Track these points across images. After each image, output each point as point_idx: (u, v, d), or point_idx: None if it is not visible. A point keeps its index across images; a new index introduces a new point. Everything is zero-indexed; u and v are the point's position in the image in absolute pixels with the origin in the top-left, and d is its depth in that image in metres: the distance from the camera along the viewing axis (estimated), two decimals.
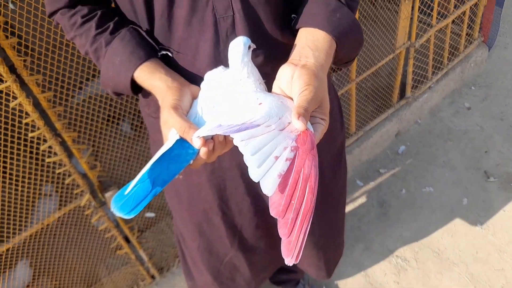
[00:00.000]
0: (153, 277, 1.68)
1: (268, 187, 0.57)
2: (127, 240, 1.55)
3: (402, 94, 2.17)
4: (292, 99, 0.66)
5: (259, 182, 0.57)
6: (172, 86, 0.72)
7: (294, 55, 0.70)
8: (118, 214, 0.64)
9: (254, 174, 0.57)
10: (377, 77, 2.21)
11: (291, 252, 0.56)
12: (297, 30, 0.75)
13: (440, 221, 1.90)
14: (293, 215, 0.57)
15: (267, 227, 1.16)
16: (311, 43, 0.70)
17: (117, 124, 2.01)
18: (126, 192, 0.65)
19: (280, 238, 1.27)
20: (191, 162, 0.67)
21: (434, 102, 2.30)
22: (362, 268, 1.80)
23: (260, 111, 0.63)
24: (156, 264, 1.68)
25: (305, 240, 0.58)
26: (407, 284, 1.74)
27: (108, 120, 1.90)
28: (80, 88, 1.52)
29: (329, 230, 1.25)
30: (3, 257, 1.31)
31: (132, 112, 1.71)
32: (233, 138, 0.61)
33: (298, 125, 0.60)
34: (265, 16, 0.75)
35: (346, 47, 0.75)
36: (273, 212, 0.57)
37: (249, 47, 0.68)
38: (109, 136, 1.58)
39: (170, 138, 0.67)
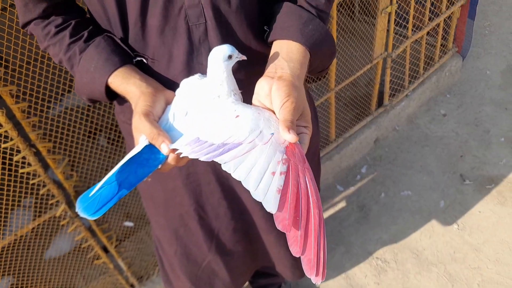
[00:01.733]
0: (132, 286, 1.69)
1: (271, 205, 0.57)
2: (105, 249, 1.55)
3: (380, 102, 2.25)
4: (272, 111, 0.67)
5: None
6: (146, 91, 0.72)
7: (270, 68, 0.71)
8: (83, 215, 0.64)
9: (255, 195, 0.58)
10: (355, 86, 2.30)
11: (313, 269, 0.56)
12: (271, 43, 0.77)
13: (418, 223, 1.97)
14: (301, 232, 0.57)
15: (245, 231, 1.16)
16: (285, 55, 0.72)
17: (94, 137, 2.05)
18: (91, 194, 0.65)
19: (259, 241, 1.30)
20: (160, 166, 0.68)
21: (411, 110, 2.39)
22: (343, 271, 1.85)
23: (239, 125, 0.63)
24: (136, 273, 1.68)
25: (325, 255, 0.58)
26: (387, 285, 1.79)
27: (86, 133, 1.94)
28: (59, 100, 1.54)
29: None
30: None
31: (109, 127, 1.74)
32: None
33: (289, 138, 0.61)
34: (237, 23, 0.77)
35: (320, 57, 0.77)
36: (279, 226, 0.57)
37: (230, 56, 0.68)
38: (86, 147, 1.60)
39: (140, 143, 0.68)
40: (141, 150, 0.67)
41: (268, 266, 1.40)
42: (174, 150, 0.66)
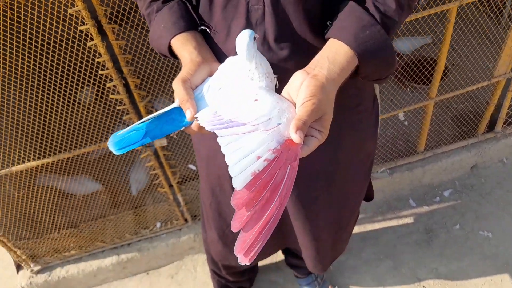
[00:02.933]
0: (186, 220, 1.87)
1: (239, 182, 0.59)
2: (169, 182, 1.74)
3: (491, 127, 1.98)
4: (295, 105, 0.68)
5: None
6: (195, 60, 0.78)
7: (311, 63, 0.72)
8: (110, 148, 0.73)
9: (231, 170, 0.60)
10: (465, 101, 2.05)
11: (243, 250, 0.58)
12: (328, 39, 0.78)
13: (487, 270, 1.73)
14: (250, 213, 0.58)
15: None
16: (331, 55, 0.72)
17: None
18: (121, 133, 0.73)
19: (287, 220, 1.32)
20: (183, 128, 0.75)
21: None
22: (383, 285, 1.75)
23: (253, 109, 0.65)
24: (191, 210, 1.85)
25: (262, 246, 0.58)
26: None
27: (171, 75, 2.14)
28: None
29: (331, 226, 1.26)
30: (77, 160, 1.62)
31: None
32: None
33: (294, 137, 0.61)
34: (294, 13, 0.79)
35: (372, 65, 0.75)
36: (232, 202, 0.59)
37: (255, 38, 0.70)
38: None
39: (174, 103, 0.76)
40: (171, 110, 0.76)
41: (297, 249, 1.42)
42: (196, 117, 0.73)
